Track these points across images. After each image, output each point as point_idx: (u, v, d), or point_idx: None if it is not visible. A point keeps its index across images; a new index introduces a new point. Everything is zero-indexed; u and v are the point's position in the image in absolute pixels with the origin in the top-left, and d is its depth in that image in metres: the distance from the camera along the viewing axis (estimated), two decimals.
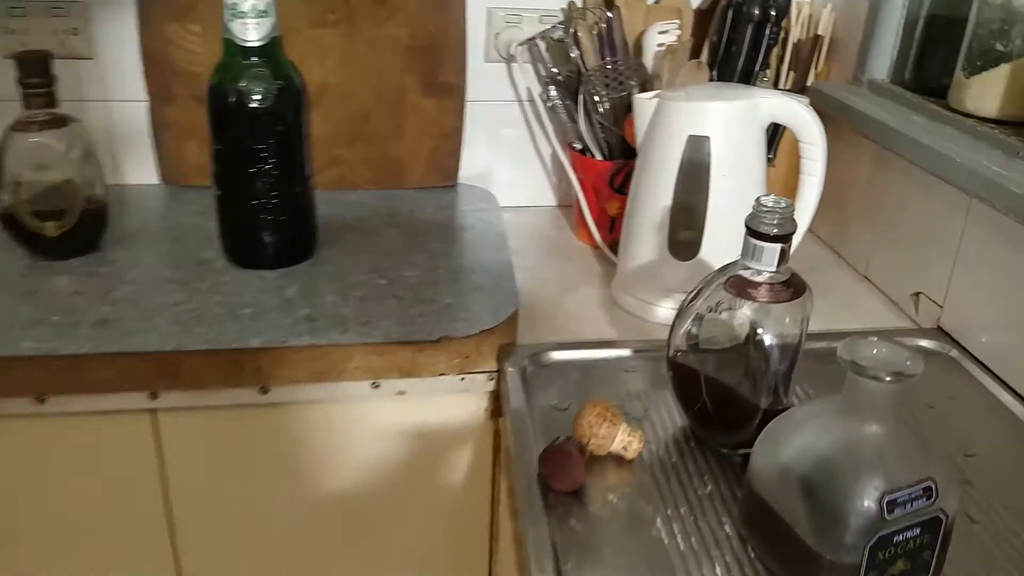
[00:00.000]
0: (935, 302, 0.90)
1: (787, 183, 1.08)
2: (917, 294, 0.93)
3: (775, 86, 1.08)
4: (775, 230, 0.62)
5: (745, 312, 0.65)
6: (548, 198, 1.22)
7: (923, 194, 0.91)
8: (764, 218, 0.63)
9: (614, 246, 1.01)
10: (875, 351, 0.54)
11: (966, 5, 0.86)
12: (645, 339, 0.84)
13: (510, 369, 0.78)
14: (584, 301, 0.94)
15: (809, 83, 1.08)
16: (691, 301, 0.68)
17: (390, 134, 1.09)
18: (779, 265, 0.64)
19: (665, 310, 0.90)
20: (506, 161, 1.18)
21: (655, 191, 0.87)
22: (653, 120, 0.87)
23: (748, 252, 0.64)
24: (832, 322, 0.92)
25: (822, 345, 0.86)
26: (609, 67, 1.00)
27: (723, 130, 0.83)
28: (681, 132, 0.84)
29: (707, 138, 0.83)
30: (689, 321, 0.69)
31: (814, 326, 0.66)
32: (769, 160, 1.04)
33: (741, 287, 0.64)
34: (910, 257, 0.95)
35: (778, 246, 0.63)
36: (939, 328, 0.90)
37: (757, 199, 0.63)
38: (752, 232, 0.63)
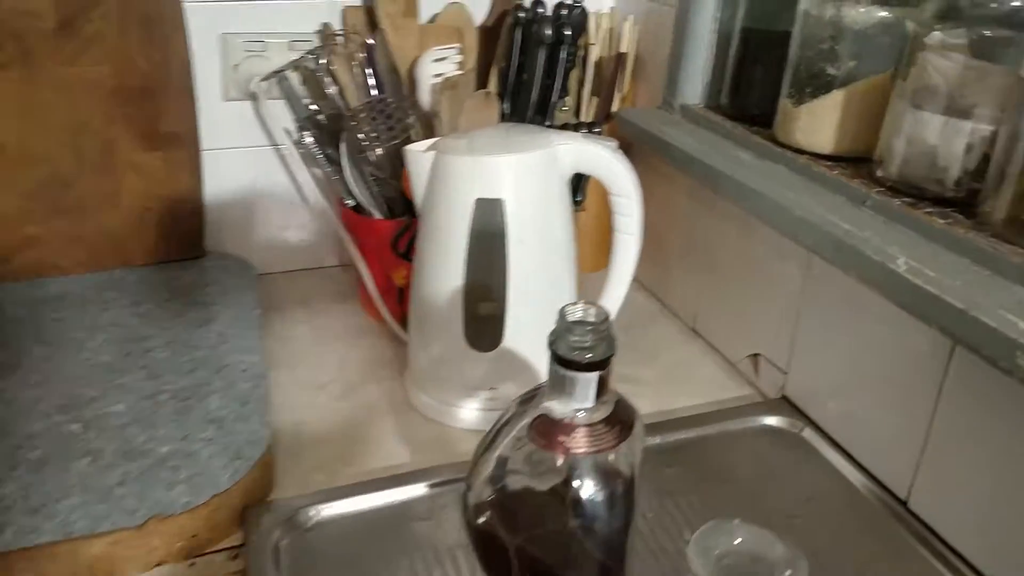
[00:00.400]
0: (778, 367, 0.77)
1: (599, 224, 0.93)
2: (755, 355, 0.80)
3: (576, 115, 0.92)
4: (588, 356, 0.45)
5: (558, 460, 0.48)
6: (327, 257, 1.01)
7: (753, 241, 0.78)
8: (573, 339, 0.45)
9: (407, 321, 0.82)
10: (737, 541, 0.39)
11: (786, 18, 0.73)
12: (448, 463, 0.65)
13: (258, 545, 0.56)
14: (370, 405, 0.74)
15: (615, 108, 0.93)
16: (489, 444, 0.50)
17: (102, 201, 0.84)
18: (599, 398, 0.46)
19: (469, 411, 0.72)
20: (266, 219, 0.96)
21: (442, 265, 0.69)
22: (432, 177, 0.68)
23: (556, 385, 0.46)
24: (663, 395, 0.77)
25: (657, 440, 0.71)
26: (377, 105, 0.80)
27: (518, 189, 0.66)
28: (467, 193, 0.66)
29: (500, 201, 0.66)
30: (490, 469, 0.50)
31: (642, 407, 0.49)
32: (578, 203, 0.88)
33: (550, 434, 0.47)
34: (743, 312, 0.82)
35: (595, 375, 0.45)
36: (784, 398, 0.77)
37: (561, 311, 0.46)
38: (559, 360, 0.45)
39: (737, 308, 0.83)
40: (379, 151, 0.80)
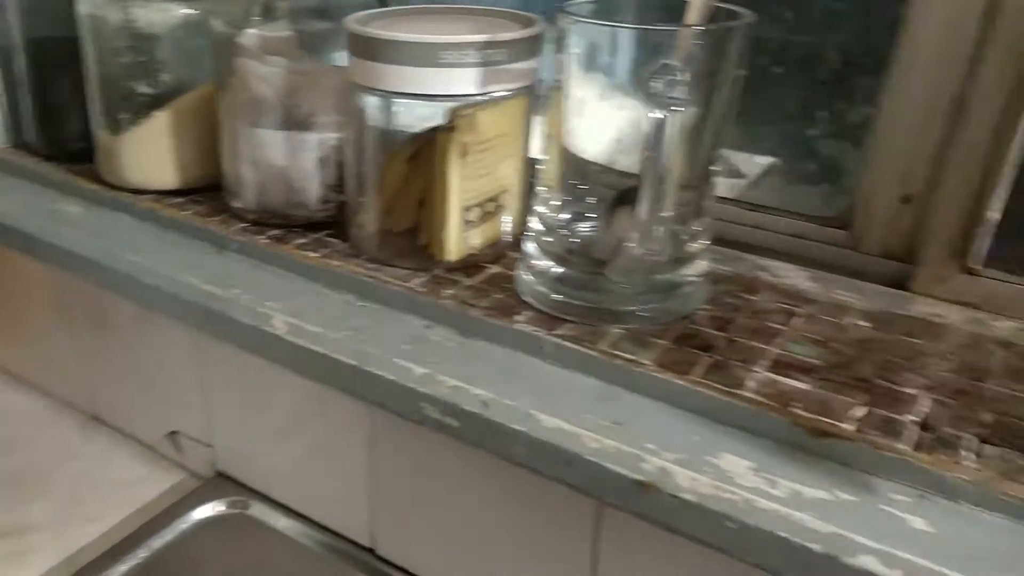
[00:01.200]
0: (201, 442, 0.64)
1: None
2: (173, 434, 0.66)
3: None
4: None
5: None
6: None
7: (116, 312, 0.62)
8: None
9: None
10: None
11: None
12: None
13: None
14: None
15: None
16: None
17: None
18: None
19: None
20: None
21: None
22: None
23: None
24: (67, 532, 0.60)
25: None
26: None
27: None
28: None
29: None
30: None
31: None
32: None
33: None
34: (148, 385, 0.66)
35: None
36: (220, 474, 0.64)
37: None
38: None
39: (140, 382, 0.66)
40: None
